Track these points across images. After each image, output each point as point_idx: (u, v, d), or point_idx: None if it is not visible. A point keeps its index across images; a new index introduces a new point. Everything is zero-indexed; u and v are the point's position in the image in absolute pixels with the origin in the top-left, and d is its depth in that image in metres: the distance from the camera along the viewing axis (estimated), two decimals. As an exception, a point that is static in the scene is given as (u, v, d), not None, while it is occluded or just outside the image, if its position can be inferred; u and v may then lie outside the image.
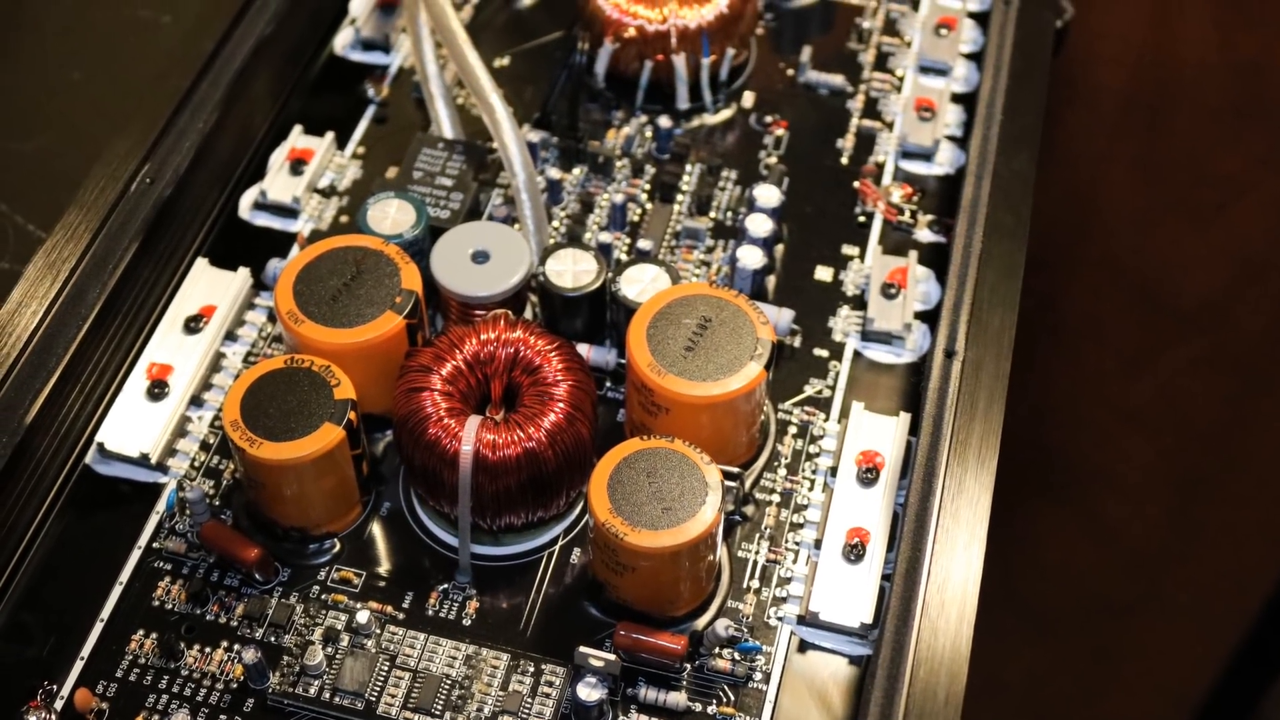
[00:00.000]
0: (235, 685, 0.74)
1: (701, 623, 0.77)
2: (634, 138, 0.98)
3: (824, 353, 0.88)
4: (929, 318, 0.88)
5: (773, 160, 0.97)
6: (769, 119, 1.00)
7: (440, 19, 0.96)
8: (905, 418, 0.83)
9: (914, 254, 0.90)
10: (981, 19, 1.04)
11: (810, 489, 0.82)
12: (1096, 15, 1.23)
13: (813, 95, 1.02)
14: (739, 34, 1.00)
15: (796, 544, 0.80)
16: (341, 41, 1.04)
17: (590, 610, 0.77)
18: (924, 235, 0.93)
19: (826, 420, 0.85)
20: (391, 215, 0.87)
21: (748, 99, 1.01)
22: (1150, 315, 1.33)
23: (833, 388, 0.86)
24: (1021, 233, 0.88)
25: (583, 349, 0.85)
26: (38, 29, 1.21)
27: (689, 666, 0.75)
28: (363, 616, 0.76)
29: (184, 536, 0.80)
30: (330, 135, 0.97)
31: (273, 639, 0.76)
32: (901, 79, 1.02)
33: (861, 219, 0.94)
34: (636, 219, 0.94)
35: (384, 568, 0.79)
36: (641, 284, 0.84)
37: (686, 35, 0.97)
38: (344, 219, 0.94)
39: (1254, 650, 1.27)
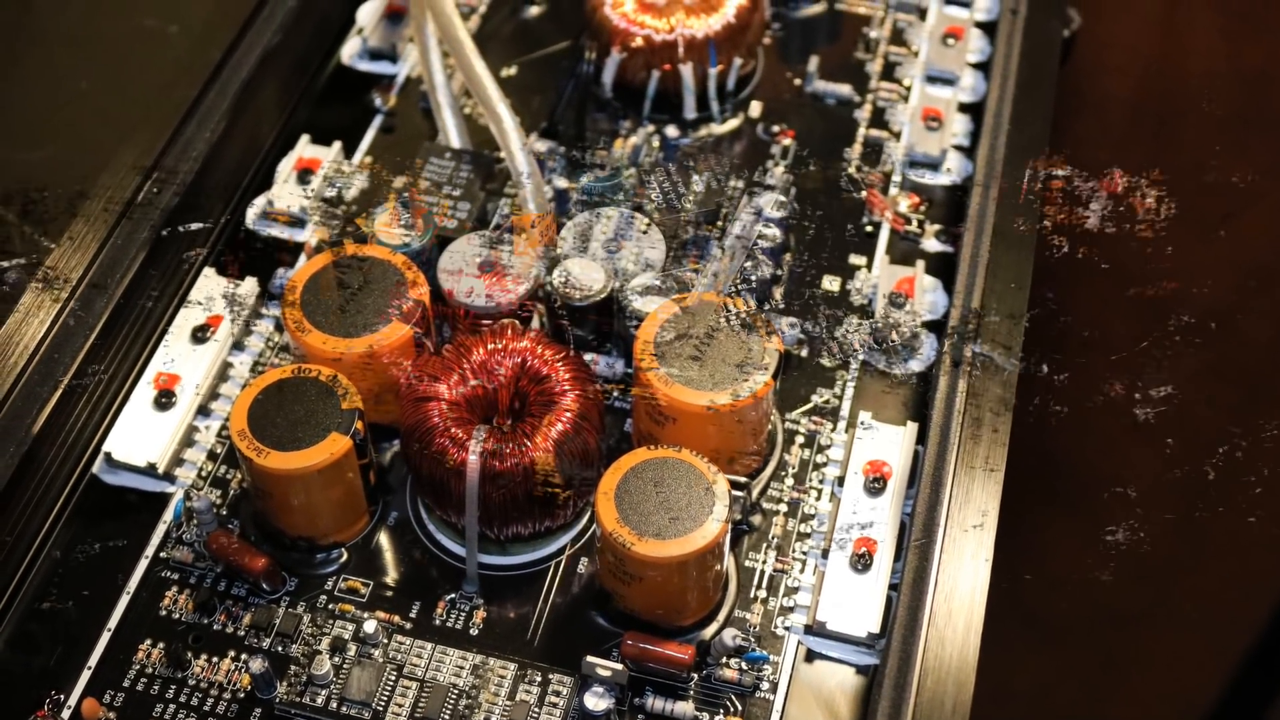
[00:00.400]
0: (242, 695, 0.74)
1: (709, 632, 0.76)
2: (641, 147, 0.98)
3: (831, 362, 0.88)
4: (936, 327, 0.88)
5: (780, 170, 0.97)
6: (776, 129, 1.00)
7: (447, 28, 0.96)
8: (912, 427, 0.83)
9: (921, 263, 0.90)
10: (989, 29, 1.04)
11: (817, 498, 0.82)
12: (1104, 25, 1.23)
13: (820, 105, 1.02)
14: (746, 43, 1.00)
15: (804, 553, 0.80)
16: (348, 51, 1.04)
17: (597, 620, 0.77)
18: (931, 245, 0.93)
19: (834, 430, 0.85)
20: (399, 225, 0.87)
21: (755, 109, 1.01)
22: (1157, 324, 1.33)
23: (840, 397, 0.86)
24: (1029, 242, 0.88)
25: (590, 358, 0.85)
26: (44, 39, 1.21)
27: (696, 676, 0.75)
28: (370, 626, 0.76)
29: (191, 546, 0.80)
30: (337, 145, 0.97)
31: (280, 649, 0.76)
32: (909, 88, 1.02)
33: (869, 228, 0.94)
34: (644, 229, 0.93)
35: (391, 577, 0.79)
36: (648, 293, 0.84)
37: (694, 45, 0.97)
38: (351, 228, 0.94)
39: (1261, 659, 1.27)
